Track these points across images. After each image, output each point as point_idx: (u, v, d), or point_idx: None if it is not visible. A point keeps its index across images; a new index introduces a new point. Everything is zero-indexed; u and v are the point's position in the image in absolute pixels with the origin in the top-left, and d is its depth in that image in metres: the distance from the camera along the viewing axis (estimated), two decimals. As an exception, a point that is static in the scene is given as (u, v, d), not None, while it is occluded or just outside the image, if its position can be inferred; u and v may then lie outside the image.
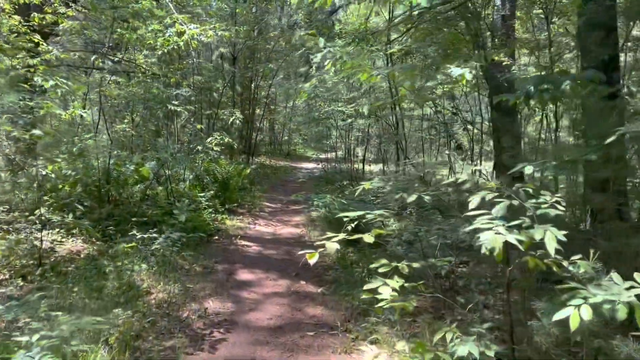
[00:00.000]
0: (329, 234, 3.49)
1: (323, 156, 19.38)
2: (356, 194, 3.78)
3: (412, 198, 3.26)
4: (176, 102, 9.13)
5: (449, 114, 11.54)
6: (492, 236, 2.27)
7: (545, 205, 2.73)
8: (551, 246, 2.28)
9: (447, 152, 12.10)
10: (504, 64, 7.15)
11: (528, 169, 2.78)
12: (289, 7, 21.99)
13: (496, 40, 7.91)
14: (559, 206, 2.74)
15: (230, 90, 17.32)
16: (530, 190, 2.84)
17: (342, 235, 3.36)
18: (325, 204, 7.37)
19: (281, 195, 13.41)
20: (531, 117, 10.68)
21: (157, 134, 13.37)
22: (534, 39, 8.35)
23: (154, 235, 6.48)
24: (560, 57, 8.58)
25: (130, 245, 6.05)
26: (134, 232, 6.43)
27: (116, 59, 11.10)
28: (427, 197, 3.25)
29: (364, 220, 6.02)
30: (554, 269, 2.51)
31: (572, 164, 3.44)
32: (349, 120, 11.91)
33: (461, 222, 3.86)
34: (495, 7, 7.95)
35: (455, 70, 3.23)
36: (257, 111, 19.56)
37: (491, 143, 11.01)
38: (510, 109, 10.52)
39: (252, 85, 18.02)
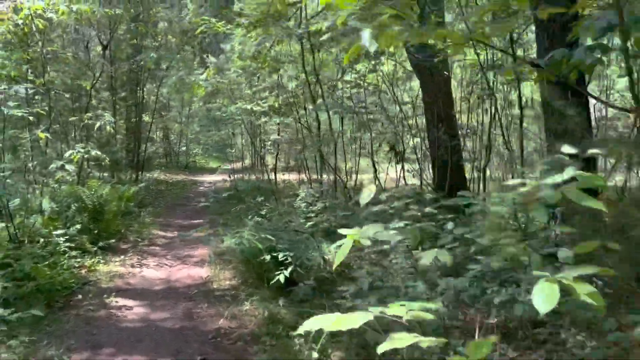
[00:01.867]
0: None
1: (228, 167, 16.84)
2: (336, 263, 1.57)
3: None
4: (12, 104, 6.32)
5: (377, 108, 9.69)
6: None
7: None
8: None
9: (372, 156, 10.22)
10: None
11: None
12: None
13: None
14: None
15: (112, 95, 14.25)
16: None
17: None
18: (241, 244, 5.02)
19: (179, 219, 10.76)
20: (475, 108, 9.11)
21: (14, 150, 10.27)
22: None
23: None
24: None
25: None
26: None
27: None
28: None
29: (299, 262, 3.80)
30: None
31: None
32: (264, 119, 9.57)
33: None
34: None
35: None
36: (146, 119, 16.57)
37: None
38: (450, 100, 8.89)
39: (138, 88, 15.09)
